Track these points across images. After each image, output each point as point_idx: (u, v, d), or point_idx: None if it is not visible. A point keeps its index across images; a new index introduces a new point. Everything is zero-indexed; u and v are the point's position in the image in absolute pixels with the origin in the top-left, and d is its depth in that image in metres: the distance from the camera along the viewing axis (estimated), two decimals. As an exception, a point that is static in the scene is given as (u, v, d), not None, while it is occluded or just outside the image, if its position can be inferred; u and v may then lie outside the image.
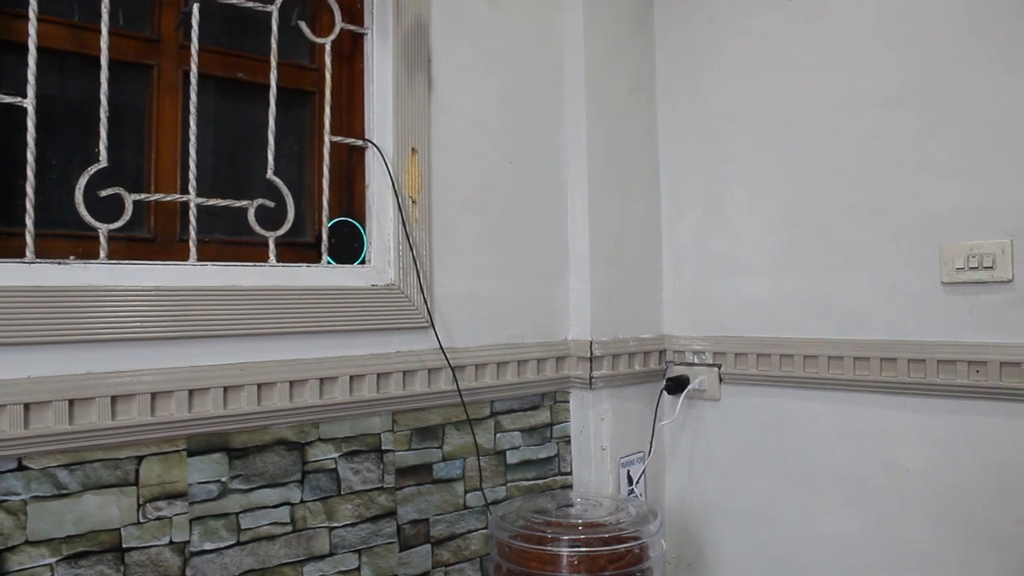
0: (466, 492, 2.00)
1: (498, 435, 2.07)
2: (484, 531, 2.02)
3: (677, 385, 2.34)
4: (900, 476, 2.04)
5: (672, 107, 2.43)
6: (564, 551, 1.70)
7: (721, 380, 2.31)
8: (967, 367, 1.92)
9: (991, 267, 1.89)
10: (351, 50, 1.98)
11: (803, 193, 2.18)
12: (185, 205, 1.70)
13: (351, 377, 1.75)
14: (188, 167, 1.68)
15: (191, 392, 1.54)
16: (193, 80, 1.69)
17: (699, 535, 2.37)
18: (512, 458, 2.10)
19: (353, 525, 1.79)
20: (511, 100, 2.15)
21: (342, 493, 1.77)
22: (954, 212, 1.94)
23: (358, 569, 1.79)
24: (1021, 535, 1.88)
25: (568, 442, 2.24)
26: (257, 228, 1.76)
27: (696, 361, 2.35)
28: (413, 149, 1.95)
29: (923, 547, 2.01)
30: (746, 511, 2.29)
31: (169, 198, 1.67)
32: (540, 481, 2.17)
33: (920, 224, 1.99)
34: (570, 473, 2.24)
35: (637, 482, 2.28)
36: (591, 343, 2.18)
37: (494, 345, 2.04)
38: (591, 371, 2.17)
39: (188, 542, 1.54)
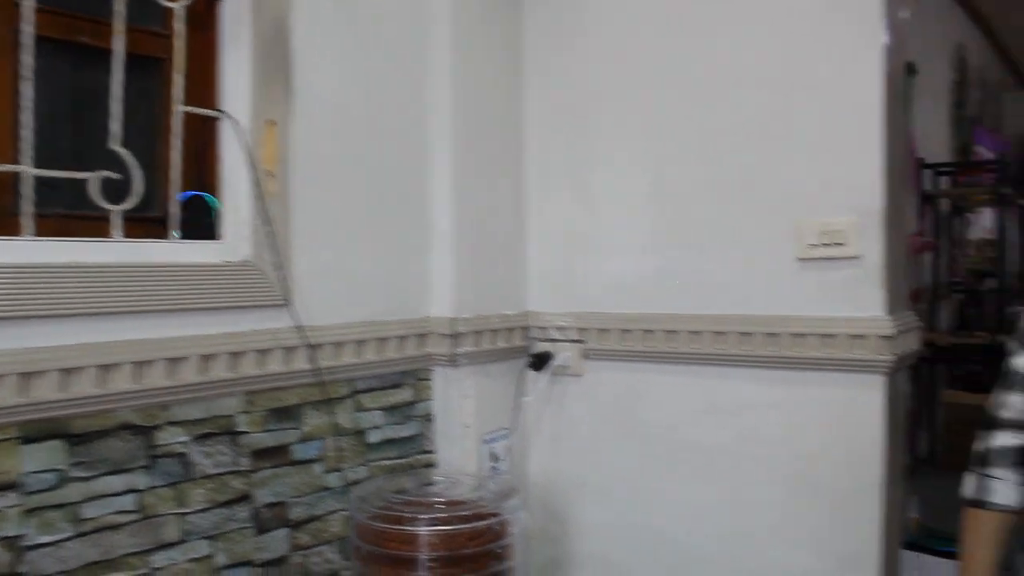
0: (325, 473, 1.95)
1: (358, 414, 2.02)
2: (344, 513, 1.98)
3: (540, 361, 2.35)
4: (755, 445, 2.11)
5: (540, 84, 2.41)
6: (423, 530, 1.68)
7: (585, 356, 2.33)
8: (818, 340, 1.99)
9: (842, 244, 1.96)
10: (206, 16, 1.89)
11: (667, 171, 2.21)
12: (19, 176, 1.59)
13: (202, 357, 1.68)
14: (21, 136, 1.57)
15: (26, 375, 1.44)
16: (28, 41, 1.58)
17: (563, 509, 2.39)
18: (373, 437, 2.06)
19: (205, 511, 1.72)
20: (376, 72, 2.09)
21: (193, 478, 1.70)
22: (810, 190, 2.01)
23: (211, 556, 1.73)
24: (864, 499, 1.96)
25: (431, 420, 2.22)
26: (100, 202, 1.66)
27: (560, 337, 2.36)
28: (271, 121, 1.88)
29: (776, 512, 2.08)
30: (609, 484, 2.32)
31: (1, 168, 1.56)
32: (403, 460, 2.14)
33: (778, 201, 2.04)
34: (433, 452, 2.22)
35: (501, 459, 2.28)
36: (454, 320, 2.16)
37: (355, 323, 1.99)
38: (454, 348, 2.15)
39: (22, 536, 1.45)
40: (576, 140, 2.35)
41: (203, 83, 1.88)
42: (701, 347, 2.14)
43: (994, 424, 1.45)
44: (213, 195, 1.87)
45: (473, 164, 2.26)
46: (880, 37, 1.93)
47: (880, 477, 1.95)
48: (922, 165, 4.34)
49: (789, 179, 2.03)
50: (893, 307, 1.96)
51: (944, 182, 4.93)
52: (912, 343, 2.04)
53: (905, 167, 2.14)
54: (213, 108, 1.86)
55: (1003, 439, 1.43)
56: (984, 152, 5.60)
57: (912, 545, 2.96)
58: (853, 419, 1.98)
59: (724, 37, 2.11)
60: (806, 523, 2.04)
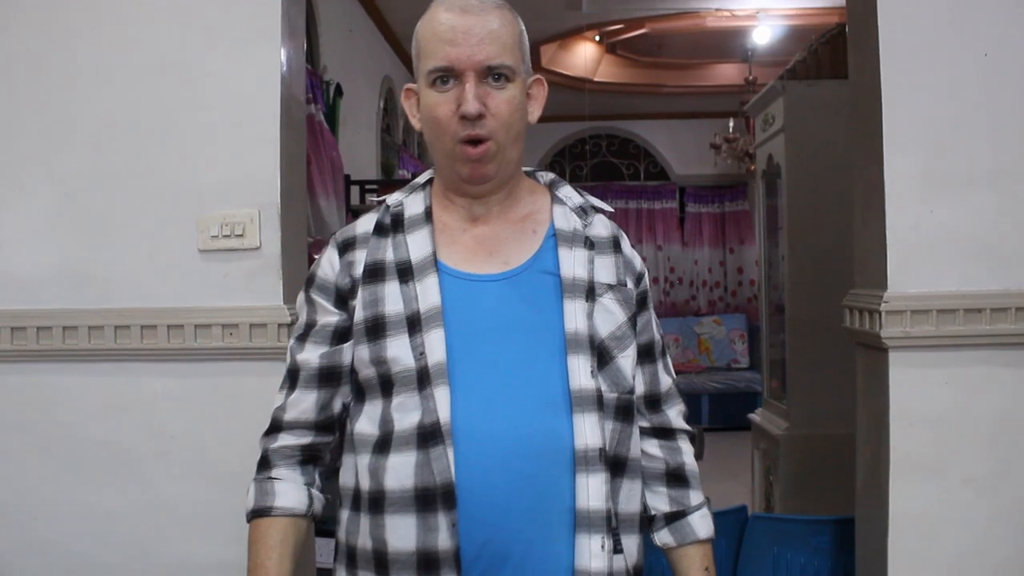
0: None
1: None
2: None
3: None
4: (164, 442, 2.08)
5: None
6: None
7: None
8: (221, 330, 2.03)
9: (242, 235, 2.03)
10: None
11: (65, 160, 2.09)
12: None
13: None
14: None
15: None
16: None
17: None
18: None
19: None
20: None
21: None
22: (211, 182, 2.05)
23: None
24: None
25: None
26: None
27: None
28: None
29: (187, 508, 2.07)
30: (6, 501, 2.12)
31: None
32: None
33: (180, 193, 2.05)
34: None
35: None
36: None
37: None
38: None
39: None
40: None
41: None
42: (103, 343, 2.05)
43: (278, 427, 1.38)
44: None
45: None
46: (278, 39, 2.04)
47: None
48: (349, 181, 4.66)
49: (191, 172, 2.04)
50: (290, 296, 2.06)
51: (370, 199, 5.35)
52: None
53: (302, 165, 2.27)
54: None
55: (284, 439, 1.37)
56: (407, 174, 6.19)
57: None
58: (256, 405, 2.02)
59: (124, 23, 2.07)
60: (218, 515, 2.05)
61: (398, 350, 1.29)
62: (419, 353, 1.27)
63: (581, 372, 1.29)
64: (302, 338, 1.40)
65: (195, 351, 2.04)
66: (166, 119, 2.06)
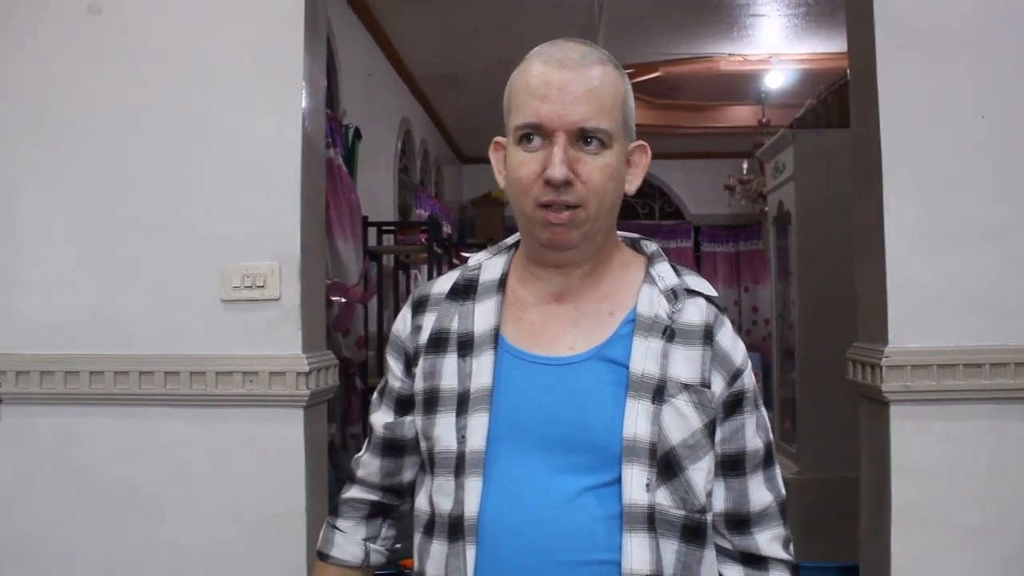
0: None
1: None
2: None
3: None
4: (186, 484, 2.15)
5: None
6: None
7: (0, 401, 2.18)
8: (242, 377, 2.10)
9: (263, 286, 2.11)
10: None
11: (93, 210, 2.18)
12: None
13: None
14: None
15: None
16: None
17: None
18: None
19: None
20: None
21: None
22: (234, 235, 2.13)
23: None
24: (289, 525, 2.10)
25: None
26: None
27: (-29, 383, 2.18)
28: None
29: (206, 549, 2.13)
30: (30, 539, 2.18)
31: None
32: None
33: (203, 245, 2.13)
34: None
35: None
36: None
37: None
38: None
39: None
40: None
41: None
42: (128, 387, 2.13)
43: (352, 479, 1.39)
44: None
45: None
46: (300, 94, 2.13)
47: (304, 503, 2.11)
48: (367, 223, 4.74)
49: (214, 224, 2.13)
50: (309, 345, 2.14)
51: (388, 240, 5.42)
52: (329, 379, 2.24)
53: (321, 217, 2.36)
54: None
55: (355, 492, 1.37)
56: (423, 214, 6.27)
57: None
58: (275, 451, 2.12)
59: (148, 77, 2.16)
60: (237, 554, 2.12)
61: (443, 429, 1.20)
62: (461, 436, 1.18)
63: (635, 485, 1.13)
64: (379, 396, 1.36)
65: (216, 397, 2.11)
66: (191, 172, 2.15)
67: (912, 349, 2.09)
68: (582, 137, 1.14)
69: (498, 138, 1.25)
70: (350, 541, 1.36)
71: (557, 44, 1.19)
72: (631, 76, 6.15)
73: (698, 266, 9.94)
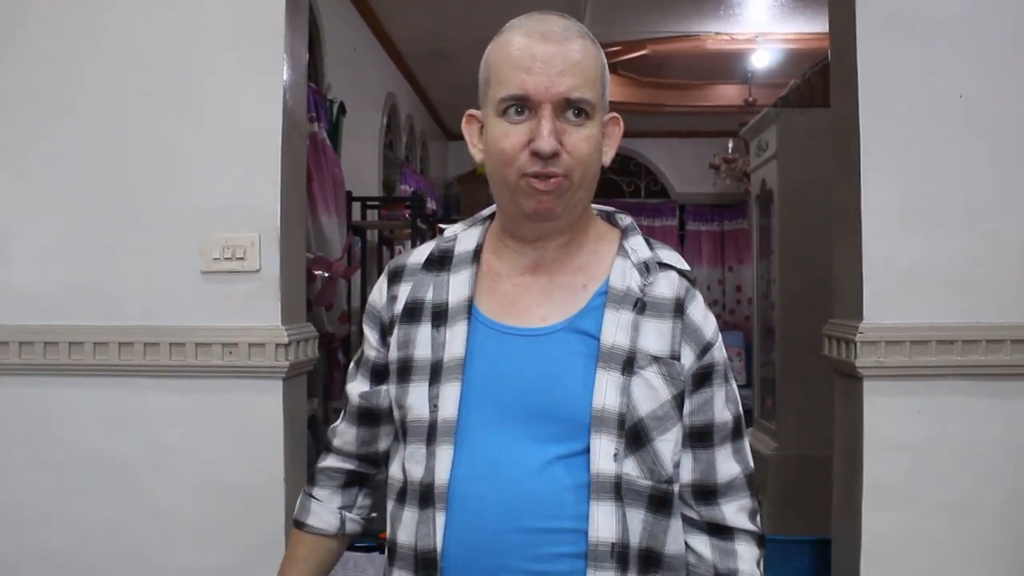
0: None
1: None
2: None
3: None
4: (166, 455, 2.16)
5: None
6: None
7: (-25, 372, 2.18)
8: (221, 349, 2.11)
9: (243, 258, 2.11)
10: None
11: (72, 182, 2.18)
12: None
13: None
14: None
15: None
16: None
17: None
18: None
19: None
20: None
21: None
22: (214, 207, 2.13)
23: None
24: (268, 495, 2.12)
25: None
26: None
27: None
28: None
29: (186, 519, 2.15)
30: (11, 510, 2.20)
31: None
32: None
33: (183, 216, 2.13)
34: None
35: None
36: None
37: None
38: None
39: None
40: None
41: None
42: (108, 358, 2.14)
43: (328, 448, 1.40)
44: None
45: None
46: (281, 67, 2.13)
47: (283, 473, 2.13)
48: (351, 198, 4.73)
49: (194, 196, 2.13)
50: (289, 317, 2.15)
51: (372, 215, 5.42)
52: (308, 351, 2.26)
53: (302, 190, 2.36)
54: None
55: (331, 461, 1.39)
56: (408, 190, 6.26)
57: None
58: (255, 422, 2.13)
59: (130, 51, 2.16)
60: (217, 524, 2.14)
61: (416, 398, 1.21)
62: (433, 405, 1.19)
63: (602, 455, 1.14)
64: (355, 366, 1.37)
65: (196, 368, 2.12)
66: (172, 144, 2.15)
67: (886, 325, 2.11)
68: (568, 108, 1.15)
69: (471, 111, 1.25)
70: (326, 510, 1.37)
71: (535, 16, 1.19)
72: (618, 54, 6.13)
73: (683, 245, 9.95)
